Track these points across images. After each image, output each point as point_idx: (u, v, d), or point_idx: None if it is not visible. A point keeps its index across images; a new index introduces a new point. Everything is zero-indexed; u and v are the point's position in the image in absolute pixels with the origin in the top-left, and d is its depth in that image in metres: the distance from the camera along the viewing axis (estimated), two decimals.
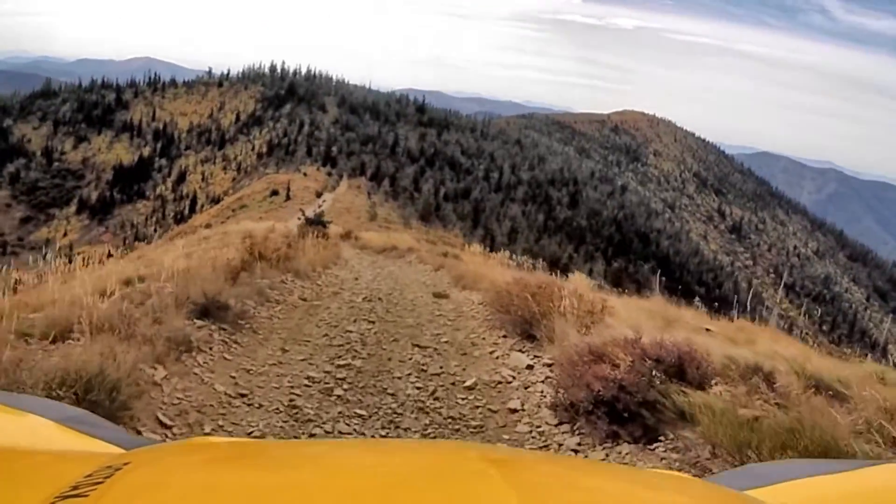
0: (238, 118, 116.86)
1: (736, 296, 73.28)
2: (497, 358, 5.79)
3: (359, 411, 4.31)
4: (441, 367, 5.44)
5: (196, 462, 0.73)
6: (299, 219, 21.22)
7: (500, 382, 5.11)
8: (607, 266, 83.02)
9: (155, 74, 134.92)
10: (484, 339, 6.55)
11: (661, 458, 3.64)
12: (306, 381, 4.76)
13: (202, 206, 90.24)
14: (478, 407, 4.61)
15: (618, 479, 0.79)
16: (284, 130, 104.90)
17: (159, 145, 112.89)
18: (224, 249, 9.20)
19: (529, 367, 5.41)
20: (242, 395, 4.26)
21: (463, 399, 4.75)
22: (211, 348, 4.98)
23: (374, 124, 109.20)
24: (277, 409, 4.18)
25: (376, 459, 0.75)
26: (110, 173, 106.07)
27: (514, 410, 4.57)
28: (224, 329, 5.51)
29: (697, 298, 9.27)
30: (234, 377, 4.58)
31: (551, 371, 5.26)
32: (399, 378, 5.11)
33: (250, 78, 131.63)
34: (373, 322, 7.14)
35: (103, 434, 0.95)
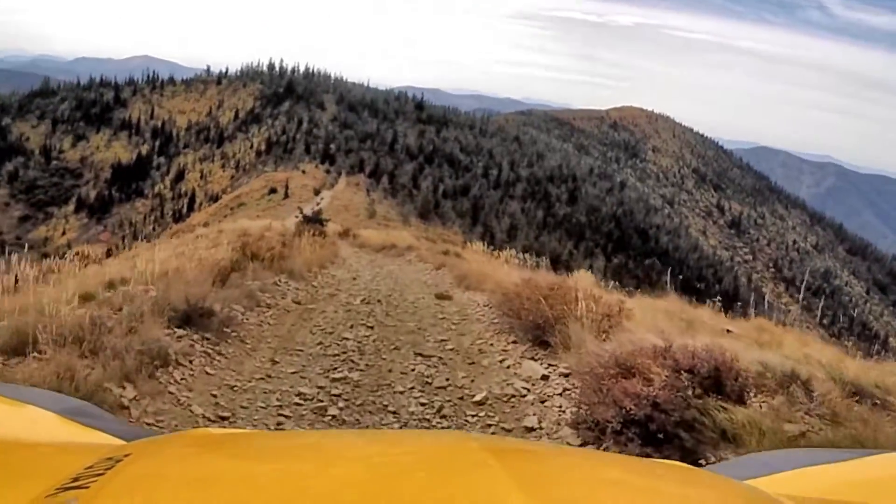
0: (237, 116, 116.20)
1: (737, 291, 73.07)
2: (508, 367, 5.26)
3: None
4: (447, 380, 4.91)
5: (196, 453, 0.73)
6: (297, 217, 20.65)
7: (513, 396, 4.60)
8: (607, 262, 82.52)
9: (153, 72, 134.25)
10: (492, 345, 6.03)
11: None
12: (297, 399, 4.23)
13: (201, 204, 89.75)
14: (490, 425, 4.12)
15: (619, 468, 0.78)
16: (283, 128, 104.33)
17: (158, 143, 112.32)
18: (213, 249, 8.66)
19: (544, 377, 4.89)
20: (223, 419, 3.74)
21: (473, 416, 4.24)
22: (191, 361, 4.46)
23: (373, 122, 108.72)
24: None
25: (375, 449, 0.74)
26: (109, 172, 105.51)
27: (531, 429, 4.08)
28: (207, 338, 4.99)
29: (718, 298, 8.70)
30: (215, 396, 4.06)
31: (568, 382, 4.76)
32: (401, 392, 4.58)
33: (249, 76, 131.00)
34: (371, 327, 6.60)
35: (104, 426, 0.95)
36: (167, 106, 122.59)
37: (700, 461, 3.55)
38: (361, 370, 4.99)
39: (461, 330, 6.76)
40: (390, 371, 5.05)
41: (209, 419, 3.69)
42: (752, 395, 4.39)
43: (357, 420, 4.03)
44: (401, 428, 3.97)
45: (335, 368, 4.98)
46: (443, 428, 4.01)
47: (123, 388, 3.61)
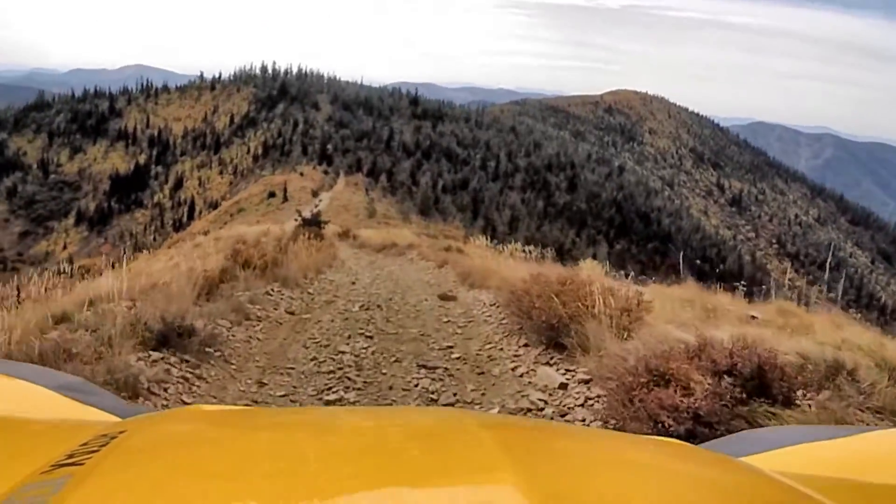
0: (232, 121, 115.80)
1: (741, 269, 72.32)
2: (521, 376, 4.74)
3: None
4: (455, 395, 4.38)
5: (191, 429, 0.74)
6: (296, 220, 20.15)
7: (529, 410, 4.08)
8: (610, 249, 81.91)
9: (147, 81, 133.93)
10: (502, 350, 5.51)
11: None
12: None
13: (200, 211, 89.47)
14: None
15: (612, 443, 0.79)
16: (279, 131, 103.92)
17: (155, 152, 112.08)
18: (199, 261, 8.14)
19: (563, 385, 4.37)
20: None
21: None
22: (166, 389, 3.95)
23: (368, 120, 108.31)
24: None
25: (371, 423, 0.74)
26: (107, 183, 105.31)
27: None
28: (186, 361, 4.47)
29: (742, 283, 8.16)
30: None
31: (590, 390, 4.25)
32: None
33: (242, 80, 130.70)
34: (370, 337, 6.07)
35: (98, 402, 0.95)
36: (162, 114, 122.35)
37: None
38: (359, 389, 4.47)
39: (467, 334, 6.25)
40: (391, 388, 4.53)
41: None
42: (798, 393, 3.90)
43: None
44: None
45: (329, 388, 4.46)
46: None
47: None
